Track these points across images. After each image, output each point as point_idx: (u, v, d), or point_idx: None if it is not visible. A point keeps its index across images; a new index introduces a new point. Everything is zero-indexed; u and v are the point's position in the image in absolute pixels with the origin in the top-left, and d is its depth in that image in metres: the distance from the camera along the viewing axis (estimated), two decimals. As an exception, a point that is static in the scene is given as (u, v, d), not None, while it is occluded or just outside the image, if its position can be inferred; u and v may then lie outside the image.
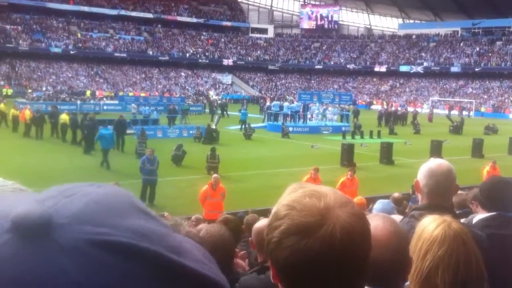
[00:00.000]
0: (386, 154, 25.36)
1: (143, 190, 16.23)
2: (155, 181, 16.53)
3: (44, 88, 65.79)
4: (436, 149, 25.75)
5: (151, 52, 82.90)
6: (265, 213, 8.55)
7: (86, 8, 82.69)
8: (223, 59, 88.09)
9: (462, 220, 3.05)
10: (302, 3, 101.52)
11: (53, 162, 22.11)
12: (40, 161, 22.30)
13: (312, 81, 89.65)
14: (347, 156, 23.83)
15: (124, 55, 79.43)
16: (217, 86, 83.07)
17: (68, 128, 28.21)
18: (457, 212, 3.69)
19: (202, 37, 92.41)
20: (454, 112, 61.92)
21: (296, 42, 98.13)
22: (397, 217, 3.17)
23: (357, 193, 14.08)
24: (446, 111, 62.01)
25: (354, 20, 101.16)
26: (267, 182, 18.84)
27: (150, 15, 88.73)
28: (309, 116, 40.96)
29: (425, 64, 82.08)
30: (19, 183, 0.81)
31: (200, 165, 21.42)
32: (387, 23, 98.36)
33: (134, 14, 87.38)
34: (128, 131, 28.19)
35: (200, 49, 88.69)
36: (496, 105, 69.58)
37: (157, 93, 69.50)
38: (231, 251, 3.60)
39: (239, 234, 5.56)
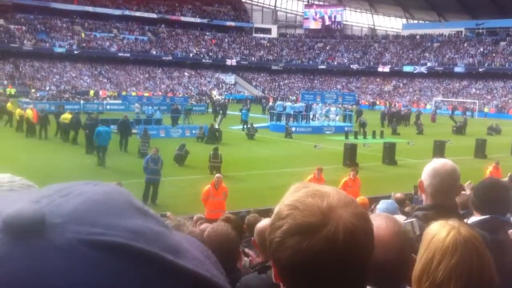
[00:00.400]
0: (389, 154, 25.33)
1: (146, 189, 16.27)
2: (158, 181, 16.58)
3: (47, 88, 65.90)
4: (439, 150, 25.71)
5: (154, 52, 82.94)
6: (267, 213, 8.56)
7: (90, 8, 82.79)
8: (227, 59, 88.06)
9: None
10: (306, 3, 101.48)
11: (56, 162, 22.16)
12: (43, 160, 22.34)
13: (316, 81, 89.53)
14: (350, 156, 23.81)
15: (128, 55, 79.49)
16: (220, 86, 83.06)
17: (70, 127, 28.21)
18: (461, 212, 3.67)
19: (206, 37, 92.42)
20: (458, 113, 61.76)
21: (299, 42, 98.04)
22: (401, 218, 3.18)
23: (360, 193, 14.08)
24: (449, 112, 61.86)
25: (358, 20, 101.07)
26: (269, 182, 18.85)
27: (154, 15, 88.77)
28: (311, 116, 40.92)
29: (429, 64, 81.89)
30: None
31: (202, 165, 21.45)
32: (391, 23, 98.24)
33: (138, 14, 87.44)
34: (132, 131, 28.23)
35: (203, 49, 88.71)
36: (499, 106, 69.38)
37: (160, 93, 69.54)
38: (236, 250, 3.62)
39: (241, 233, 5.57)
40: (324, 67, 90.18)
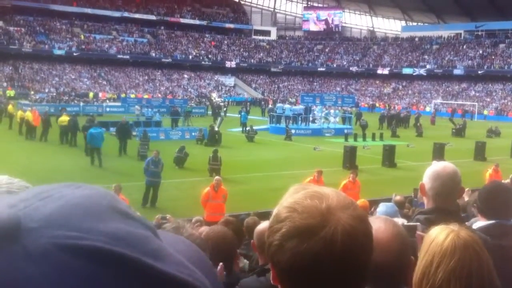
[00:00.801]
0: (389, 156, 25.33)
1: (147, 191, 16.28)
2: (159, 183, 16.58)
3: (47, 90, 65.90)
4: (438, 152, 25.71)
5: (154, 54, 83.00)
6: (267, 215, 8.55)
7: (89, 10, 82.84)
8: (226, 61, 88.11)
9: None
10: (305, 5, 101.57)
11: (55, 164, 22.14)
12: (42, 162, 22.34)
13: (315, 84, 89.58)
14: (350, 159, 23.82)
15: (127, 57, 79.53)
16: (220, 88, 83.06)
17: (68, 130, 28.19)
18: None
19: (205, 39, 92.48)
20: (457, 115, 61.80)
21: (299, 44, 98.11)
22: (401, 221, 3.16)
23: (359, 196, 14.08)
24: (448, 114, 61.90)
25: (357, 22, 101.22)
26: (269, 184, 18.84)
27: (153, 17, 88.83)
28: (311, 118, 40.97)
29: (428, 66, 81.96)
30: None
31: (202, 167, 21.45)
32: (390, 26, 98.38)
33: (137, 16, 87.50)
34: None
35: (203, 51, 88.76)
36: (499, 108, 69.40)
37: (159, 95, 69.56)
38: (234, 251, 3.62)
39: (240, 236, 5.56)
40: (324, 69, 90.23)
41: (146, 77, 79.79)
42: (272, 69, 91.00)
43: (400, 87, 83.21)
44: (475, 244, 1.79)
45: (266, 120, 42.99)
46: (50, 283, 0.51)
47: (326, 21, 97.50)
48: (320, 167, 16.37)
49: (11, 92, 61.35)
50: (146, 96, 66.55)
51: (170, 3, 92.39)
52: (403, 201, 10.51)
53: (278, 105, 46.53)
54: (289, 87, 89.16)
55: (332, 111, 42.03)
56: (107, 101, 60.06)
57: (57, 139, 29.11)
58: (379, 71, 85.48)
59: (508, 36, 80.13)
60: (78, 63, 75.67)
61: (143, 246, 0.57)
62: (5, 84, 65.68)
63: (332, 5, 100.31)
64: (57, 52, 74.21)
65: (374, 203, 11.11)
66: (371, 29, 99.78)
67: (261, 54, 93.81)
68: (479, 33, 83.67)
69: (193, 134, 32.46)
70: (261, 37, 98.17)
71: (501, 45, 79.46)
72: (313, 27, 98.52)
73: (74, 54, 75.39)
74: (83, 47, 77.81)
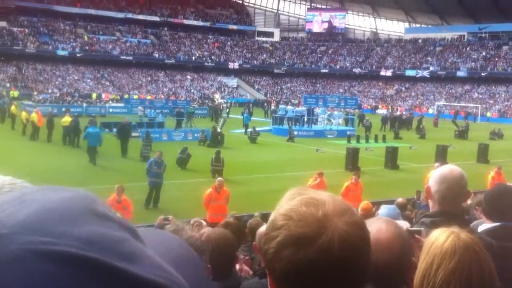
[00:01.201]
0: (391, 158, 25.31)
1: (149, 192, 16.30)
2: (161, 184, 16.61)
3: (50, 91, 66.01)
4: (441, 154, 25.68)
5: (157, 55, 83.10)
6: (269, 217, 8.55)
7: (92, 11, 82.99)
8: (229, 63, 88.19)
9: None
10: (309, 6, 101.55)
11: (58, 164, 22.16)
12: (45, 163, 22.38)
13: (318, 85, 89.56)
14: (352, 161, 23.81)
15: (130, 58, 79.65)
16: (223, 90, 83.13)
17: (70, 131, 28.22)
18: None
19: (208, 40, 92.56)
20: (460, 117, 61.76)
21: (302, 45, 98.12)
22: (403, 223, 3.16)
23: (362, 197, 14.09)
24: (451, 116, 61.84)
25: (361, 24, 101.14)
26: (271, 185, 18.81)
27: (156, 18, 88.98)
28: (314, 120, 41.00)
29: (431, 68, 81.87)
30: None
31: (204, 168, 21.47)
32: (393, 27, 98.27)
33: (140, 17, 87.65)
34: (133, 134, 28.23)
35: (206, 52, 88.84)
36: (502, 110, 69.29)
37: (162, 96, 69.63)
38: (233, 252, 3.63)
39: (240, 238, 5.57)
40: (327, 71, 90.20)
41: (149, 78, 79.88)
42: (275, 71, 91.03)
43: (403, 88, 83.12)
44: (476, 246, 1.79)
45: (269, 121, 42.99)
46: None
47: (329, 22, 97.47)
48: (323, 169, 16.39)
49: (15, 93, 61.47)
50: (149, 97, 66.64)
51: (174, 4, 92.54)
52: (405, 203, 10.53)
53: (281, 106, 46.55)
54: (292, 88, 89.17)
55: (335, 112, 42.06)
56: (110, 102, 60.12)
57: (60, 139, 29.21)
58: (382, 73, 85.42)
59: (511, 38, 79.98)
60: (82, 64, 75.81)
61: (118, 249, 0.57)
62: (8, 84, 65.80)
63: (335, 7, 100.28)
64: (61, 53, 74.37)
65: (377, 205, 11.13)
66: (374, 30, 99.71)
67: (264, 56, 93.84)
68: (483, 35, 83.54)
69: (195, 135, 32.48)
70: (264, 39, 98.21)
71: (505, 47, 79.32)
72: (316, 28, 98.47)
73: (78, 55, 75.55)
74: (87, 48, 77.94)
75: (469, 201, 7.68)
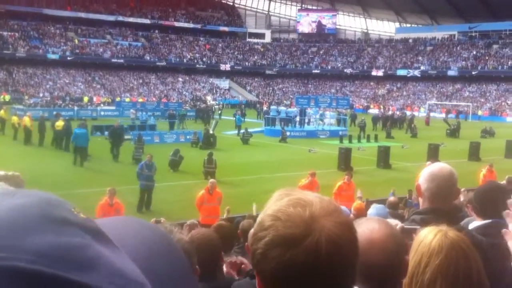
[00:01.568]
0: (384, 158, 25.40)
1: (141, 196, 16.24)
2: (152, 187, 16.57)
3: (41, 95, 65.74)
4: (433, 153, 25.80)
5: (148, 58, 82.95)
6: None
7: (83, 14, 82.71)
8: (221, 64, 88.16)
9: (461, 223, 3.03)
10: (299, 8, 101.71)
11: (50, 168, 22.08)
12: (37, 167, 22.25)
13: (310, 86, 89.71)
14: (344, 160, 23.87)
15: (122, 61, 79.42)
16: (215, 91, 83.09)
17: (63, 134, 28.11)
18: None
19: (200, 42, 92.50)
20: (451, 116, 62.06)
21: (293, 46, 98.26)
22: (392, 222, 3.16)
23: (354, 197, 14.10)
24: (443, 115, 62.13)
25: (351, 24, 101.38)
26: (264, 186, 18.77)
27: (147, 21, 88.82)
28: (306, 120, 41.08)
29: (422, 68, 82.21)
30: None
31: (197, 170, 21.46)
32: (384, 27, 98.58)
33: (131, 20, 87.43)
34: (125, 137, 28.13)
35: (197, 54, 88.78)
36: (493, 108, 69.68)
37: (154, 99, 69.52)
38: (219, 255, 3.62)
39: (233, 239, 5.55)
40: (318, 71, 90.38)
41: (141, 81, 79.72)
42: (267, 72, 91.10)
43: (395, 88, 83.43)
44: (463, 244, 1.79)
45: (261, 122, 43.03)
46: None
47: (317, 22, 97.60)
48: (315, 169, 16.40)
49: (6, 97, 61.19)
50: (140, 100, 66.51)
51: (164, 7, 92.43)
52: (397, 202, 10.54)
53: (272, 107, 46.62)
54: (283, 89, 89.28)
55: (327, 113, 42.16)
56: (102, 105, 60.00)
57: (52, 143, 29.05)
58: (374, 73, 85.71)
59: (501, 37, 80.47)
60: (72, 67, 75.52)
61: (73, 259, 0.54)
62: (-1, 89, 65.53)
63: (326, 7, 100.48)
64: (51, 56, 74.07)
65: (370, 204, 11.15)
66: (365, 31, 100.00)
67: (256, 57, 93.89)
68: (473, 34, 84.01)
69: (187, 137, 32.45)
70: (255, 40, 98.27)
71: (495, 46, 79.79)
72: (307, 29, 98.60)
73: (68, 58, 75.25)
74: (77, 51, 77.68)
75: (462, 198, 7.69)
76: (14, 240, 0.52)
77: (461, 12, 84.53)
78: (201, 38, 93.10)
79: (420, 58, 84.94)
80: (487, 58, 78.34)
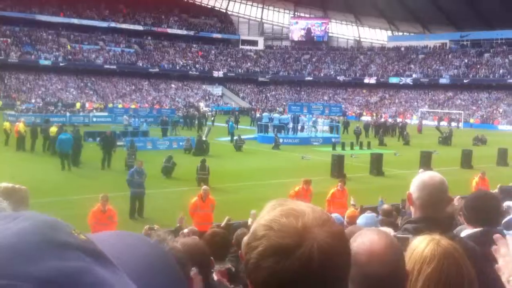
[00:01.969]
0: (376, 165, 25.44)
1: (133, 204, 16.13)
2: (144, 193, 16.44)
3: (33, 100, 65.47)
4: (425, 160, 25.86)
5: (141, 64, 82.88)
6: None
7: (76, 20, 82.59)
8: (214, 71, 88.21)
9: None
10: (292, 15, 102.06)
11: (43, 175, 21.97)
12: (30, 173, 22.14)
13: (302, 93, 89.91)
14: (337, 167, 23.88)
15: (114, 67, 79.32)
16: (208, 98, 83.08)
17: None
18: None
19: (192, 49, 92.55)
20: (443, 123, 62.32)
21: (286, 54, 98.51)
22: (386, 230, 3.15)
23: (348, 204, 14.10)
24: (435, 122, 62.37)
25: (344, 32, 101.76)
26: (257, 193, 18.79)
27: (140, 27, 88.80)
28: (299, 127, 41.11)
29: (414, 75, 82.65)
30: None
31: (190, 177, 21.40)
32: (376, 36, 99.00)
33: (124, 26, 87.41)
34: (118, 143, 28.02)
35: (190, 61, 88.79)
36: (485, 116, 70.07)
37: (147, 105, 69.39)
38: (208, 262, 3.61)
39: (227, 247, 5.52)
40: (311, 78, 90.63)
41: (133, 87, 79.59)
42: (260, 79, 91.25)
43: (387, 96, 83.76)
44: (455, 252, 1.81)
45: (255, 129, 43.05)
46: None
47: (313, 31, 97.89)
48: (308, 176, 16.37)
49: (-2, 103, 60.89)
50: (133, 106, 66.37)
51: (157, 14, 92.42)
52: (391, 210, 10.52)
53: (264, 114, 46.66)
54: (276, 96, 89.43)
55: (320, 120, 42.26)
56: (94, 111, 59.78)
57: (45, 149, 28.90)
58: (366, 80, 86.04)
59: (492, 46, 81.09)
60: (65, 73, 75.35)
61: (76, 284, 0.54)
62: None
63: (318, 15, 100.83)
64: (44, 62, 73.88)
65: (364, 211, 11.15)
66: (358, 39, 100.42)
67: (249, 64, 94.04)
68: (464, 42, 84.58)
69: (180, 143, 32.38)
70: (248, 47, 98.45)
71: (486, 55, 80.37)
72: (300, 37, 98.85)
73: (61, 64, 75.09)
74: (70, 57, 77.52)
75: (457, 204, 7.71)
76: (17, 267, 0.52)
77: (453, 20, 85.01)
78: (194, 45, 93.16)
79: (412, 66, 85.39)
80: (478, 66, 78.86)
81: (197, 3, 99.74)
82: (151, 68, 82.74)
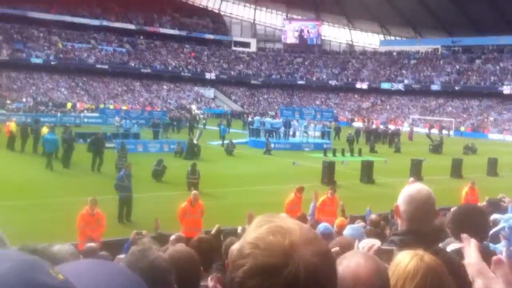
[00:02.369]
0: (367, 172, 25.43)
1: (121, 207, 16.03)
2: (131, 197, 16.33)
3: (24, 100, 65.03)
4: (416, 168, 25.92)
5: (133, 64, 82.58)
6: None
7: (67, 18, 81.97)
8: (206, 73, 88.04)
9: (440, 245, 3.03)
10: (285, 17, 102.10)
11: (32, 176, 21.83)
12: (19, 174, 22.01)
13: (295, 97, 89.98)
14: (328, 174, 23.88)
15: (106, 66, 78.94)
16: (200, 100, 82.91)
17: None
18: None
19: (185, 49, 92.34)
20: (434, 131, 62.55)
21: (278, 56, 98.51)
22: (372, 241, 3.14)
23: (337, 212, 14.10)
24: (426, 130, 62.59)
25: (336, 35, 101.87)
26: (248, 199, 18.76)
27: (132, 27, 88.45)
28: (291, 132, 41.10)
29: (406, 81, 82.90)
30: None
31: (180, 181, 21.31)
32: (368, 39, 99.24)
33: (116, 25, 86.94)
34: (108, 145, 27.89)
35: (182, 62, 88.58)
36: (475, 124, 70.33)
37: (138, 106, 69.14)
38: (197, 273, 3.60)
39: (212, 254, 5.46)
40: (303, 82, 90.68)
41: (125, 88, 79.29)
42: (252, 82, 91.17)
43: (379, 101, 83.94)
44: (438, 268, 1.82)
45: (246, 133, 43.01)
46: None
47: (305, 33, 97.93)
48: (299, 182, 16.32)
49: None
50: (124, 107, 66.11)
51: (150, 13, 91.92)
52: (378, 220, 10.51)
53: (256, 118, 46.60)
54: (269, 99, 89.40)
55: (312, 125, 42.28)
56: (85, 111, 59.53)
57: (36, 150, 28.73)
58: (358, 86, 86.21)
59: (484, 52, 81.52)
60: (56, 72, 74.90)
61: None
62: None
63: (311, 17, 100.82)
64: (35, 60, 73.41)
65: (354, 220, 11.14)
66: (350, 42, 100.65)
67: (241, 66, 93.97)
68: (456, 48, 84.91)
69: (171, 146, 32.27)
70: (241, 49, 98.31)
71: (477, 61, 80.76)
72: (292, 39, 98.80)
73: (52, 62, 74.66)
74: (61, 56, 77.08)
75: (446, 217, 7.72)
76: None
77: (445, 26, 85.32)
78: (186, 45, 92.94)
79: (404, 71, 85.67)
80: (469, 73, 79.23)
81: (189, 2, 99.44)
82: (143, 68, 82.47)
